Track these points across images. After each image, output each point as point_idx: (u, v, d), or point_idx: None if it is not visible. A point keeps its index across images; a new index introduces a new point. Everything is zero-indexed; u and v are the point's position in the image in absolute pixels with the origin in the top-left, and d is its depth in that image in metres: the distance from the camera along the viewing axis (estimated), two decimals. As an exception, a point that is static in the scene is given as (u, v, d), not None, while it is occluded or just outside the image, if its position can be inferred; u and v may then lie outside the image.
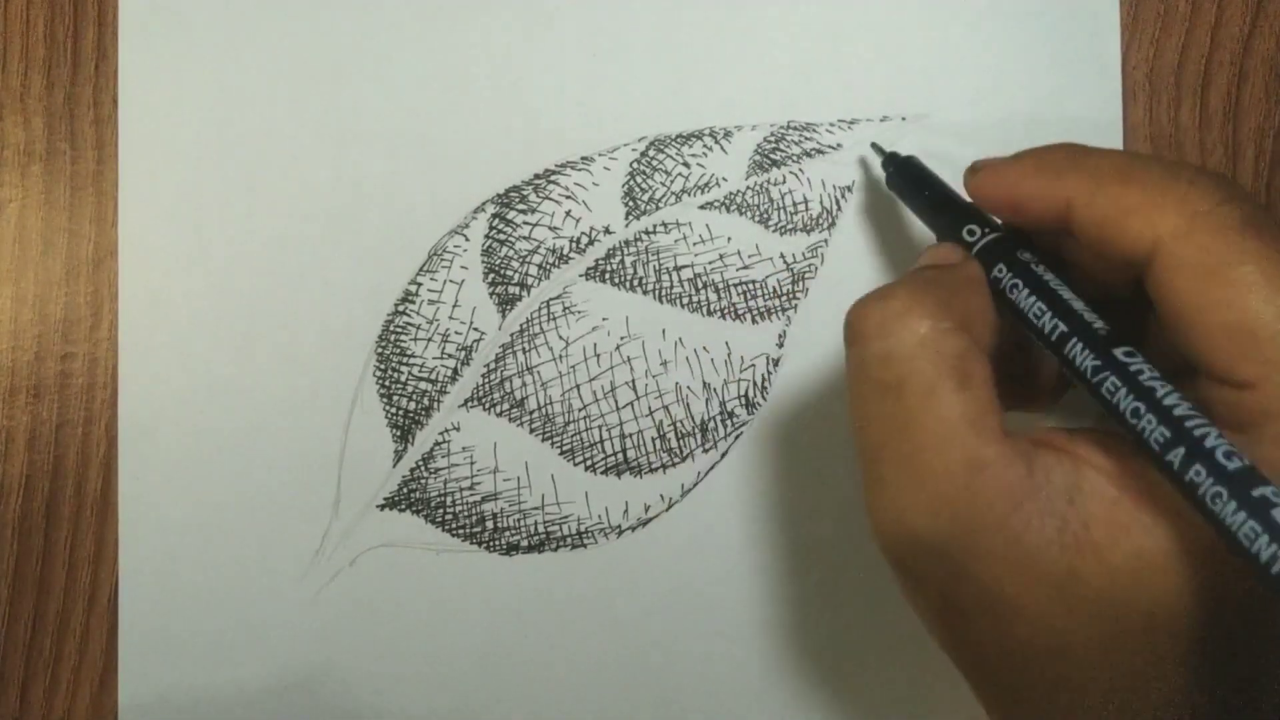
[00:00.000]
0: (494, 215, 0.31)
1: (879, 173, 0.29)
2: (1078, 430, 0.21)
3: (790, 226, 0.31)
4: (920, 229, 0.30)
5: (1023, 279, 0.22)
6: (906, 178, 0.28)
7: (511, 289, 0.31)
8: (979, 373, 0.21)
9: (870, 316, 0.21)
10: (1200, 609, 0.19)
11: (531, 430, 0.31)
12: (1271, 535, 0.17)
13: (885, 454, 0.21)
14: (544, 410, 0.31)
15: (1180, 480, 0.18)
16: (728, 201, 0.31)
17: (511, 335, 0.31)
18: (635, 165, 0.31)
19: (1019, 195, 0.23)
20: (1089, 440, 0.21)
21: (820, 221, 0.31)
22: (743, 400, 0.31)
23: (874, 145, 0.30)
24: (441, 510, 0.31)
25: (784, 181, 0.31)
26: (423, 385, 0.31)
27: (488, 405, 0.31)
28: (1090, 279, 0.23)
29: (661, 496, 0.31)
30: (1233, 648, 0.19)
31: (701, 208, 0.31)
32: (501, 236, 0.31)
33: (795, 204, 0.31)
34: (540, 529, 0.31)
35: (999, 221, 0.24)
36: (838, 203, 0.31)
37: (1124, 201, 0.20)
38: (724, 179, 0.31)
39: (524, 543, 0.31)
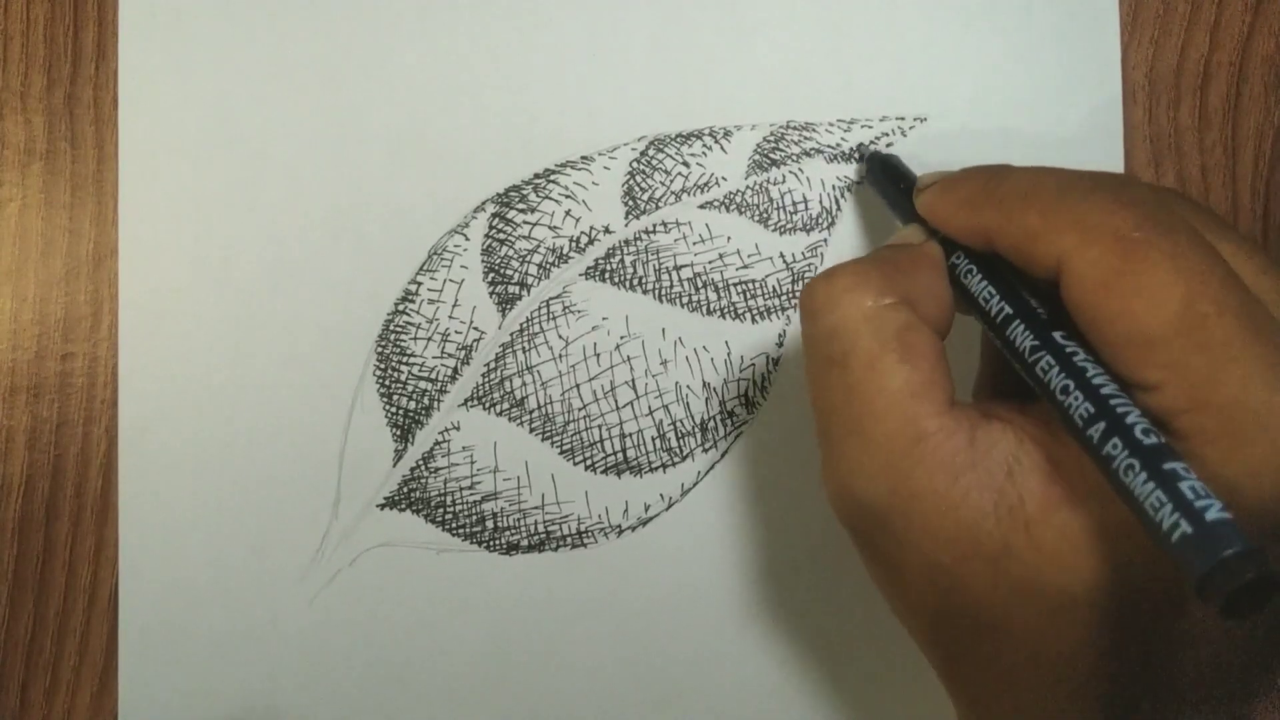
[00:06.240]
0: (494, 215, 0.31)
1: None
2: (1028, 405, 0.22)
3: (790, 226, 0.31)
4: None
5: (977, 265, 0.23)
6: (883, 173, 0.29)
7: (511, 288, 0.31)
8: (923, 346, 0.21)
9: (818, 293, 0.22)
10: (1114, 591, 0.20)
11: (531, 429, 0.31)
12: (1175, 504, 0.17)
13: (833, 423, 0.22)
14: (544, 409, 0.31)
15: (1098, 453, 0.19)
16: (727, 201, 0.31)
17: (511, 334, 0.31)
18: (635, 165, 0.31)
19: (949, 228, 0.24)
20: (1034, 416, 0.21)
21: (820, 221, 0.31)
22: (743, 399, 0.31)
23: (859, 146, 0.31)
24: (441, 510, 0.31)
25: (783, 181, 0.31)
26: (423, 384, 0.31)
27: (488, 405, 0.31)
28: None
29: (661, 496, 0.31)
30: (1144, 630, 0.20)
31: (701, 207, 0.31)
32: (501, 236, 0.31)
33: (795, 203, 0.31)
34: (540, 528, 0.31)
35: None
36: (837, 202, 0.31)
37: (1027, 226, 0.21)
38: (724, 178, 0.31)
39: (524, 542, 0.31)
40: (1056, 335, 0.21)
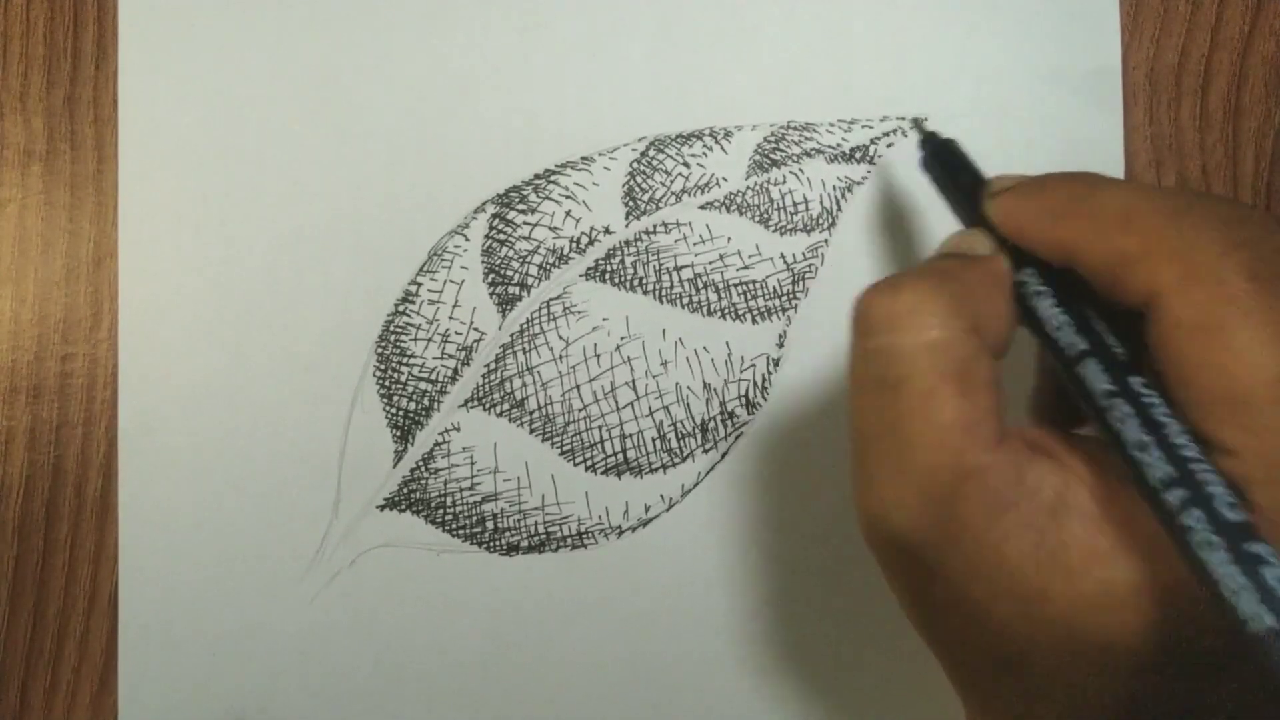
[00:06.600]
0: (494, 215, 0.31)
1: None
2: (1078, 438, 0.21)
3: (790, 226, 0.31)
4: (922, 229, 0.30)
5: (1052, 287, 0.21)
6: (942, 163, 0.26)
7: (511, 289, 0.31)
8: (982, 377, 0.20)
9: (878, 308, 0.20)
10: (1155, 647, 0.19)
11: (532, 430, 0.31)
12: (1260, 594, 0.16)
13: (876, 448, 0.20)
14: (544, 410, 0.31)
15: (1172, 521, 0.18)
16: (728, 201, 0.31)
17: (511, 335, 0.31)
18: (635, 165, 0.31)
19: (1026, 239, 0.22)
20: (1085, 454, 0.20)
21: (820, 221, 0.31)
22: (743, 400, 0.31)
23: (914, 121, 0.29)
24: (442, 510, 0.31)
25: (784, 181, 0.31)
26: (423, 385, 0.31)
27: (488, 405, 0.31)
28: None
29: (661, 496, 0.31)
30: (1183, 688, 0.19)
31: (701, 208, 0.31)
32: (501, 236, 0.31)
33: (795, 204, 0.31)
34: (540, 529, 0.31)
35: None
36: (838, 203, 0.31)
37: (1124, 250, 0.19)
38: (724, 179, 0.31)
39: (524, 543, 0.31)
40: (1134, 381, 0.19)
